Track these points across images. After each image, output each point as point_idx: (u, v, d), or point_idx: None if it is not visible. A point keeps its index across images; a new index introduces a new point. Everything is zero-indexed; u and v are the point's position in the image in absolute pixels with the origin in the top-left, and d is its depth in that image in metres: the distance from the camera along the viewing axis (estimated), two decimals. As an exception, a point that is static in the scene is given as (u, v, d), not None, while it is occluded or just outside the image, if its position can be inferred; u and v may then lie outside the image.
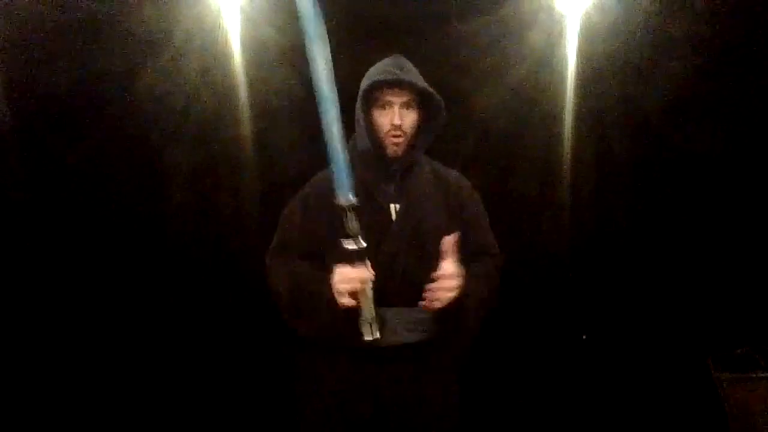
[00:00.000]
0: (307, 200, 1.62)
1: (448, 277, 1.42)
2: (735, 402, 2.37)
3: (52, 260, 2.50)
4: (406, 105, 1.57)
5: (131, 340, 2.57)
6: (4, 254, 2.44)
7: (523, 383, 2.67)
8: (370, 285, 1.40)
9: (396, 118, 1.54)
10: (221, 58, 2.48)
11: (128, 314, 2.57)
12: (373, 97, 1.58)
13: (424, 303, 1.44)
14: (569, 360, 2.73)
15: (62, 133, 2.48)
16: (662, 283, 2.69)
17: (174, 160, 2.57)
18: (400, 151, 1.58)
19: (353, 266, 1.38)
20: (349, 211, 1.35)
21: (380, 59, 1.65)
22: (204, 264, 2.62)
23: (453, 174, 1.72)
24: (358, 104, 1.57)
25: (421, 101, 1.61)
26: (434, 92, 1.59)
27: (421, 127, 1.62)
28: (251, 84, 2.52)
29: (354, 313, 1.40)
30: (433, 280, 1.43)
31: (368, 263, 1.39)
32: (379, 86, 1.55)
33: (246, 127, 2.57)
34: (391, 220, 1.57)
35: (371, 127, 1.59)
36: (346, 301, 1.38)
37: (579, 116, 2.63)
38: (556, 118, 2.64)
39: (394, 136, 1.56)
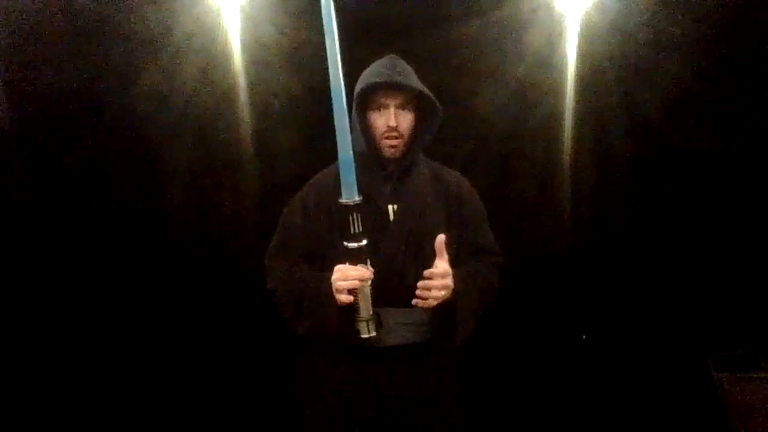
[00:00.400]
0: (307, 201, 1.62)
1: (439, 275, 1.43)
2: (735, 402, 2.37)
3: (52, 260, 2.50)
4: (402, 106, 1.57)
5: (131, 339, 2.57)
6: (4, 254, 2.44)
7: (523, 383, 2.68)
8: (369, 284, 1.40)
9: (391, 120, 1.54)
10: (221, 58, 2.48)
11: (128, 314, 2.57)
12: (369, 99, 1.58)
13: (415, 301, 1.44)
14: (569, 360, 2.73)
15: (62, 133, 2.48)
16: (662, 283, 2.69)
17: (173, 160, 2.57)
18: (397, 152, 1.59)
19: (353, 265, 1.38)
20: (355, 210, 1.35)
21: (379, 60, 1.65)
22: (204, 264, 2.62)
23: (452, 174, 1.73)
24: (354, 106, 1.57)
25: (417, 102, 1.60)
26: (429, 93, 1.59)
27: (418, 128, 1.62)
28: (251, 84, 2.52)
29: (352, 311, 1.41)
30: (425, 279, 1.44)
31: (368, 262, 1.39)
32: (374, 88, 1.55)
33: (246, 127, 2.57)
34: (389, 220, 1.57)
35: (367, 129, 1.59)
36: (345, 298, 1.39)
37: (579, 116, 2.63)
38: (556, 118, 2.63)
39: (390, 138, 1.56)
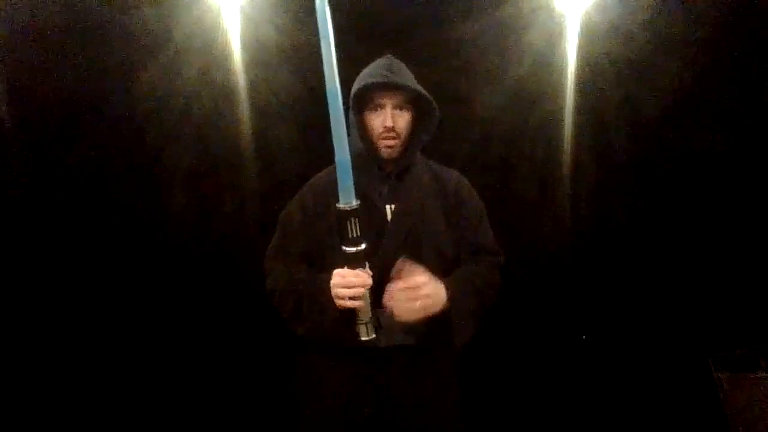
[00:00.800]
0: (306, 202, 1.62)
1: (411, 287, 1.43)
2: (735, 402, 2.37)
3: (51, 260, 2.50)
4: (399, 106, 1.57)
5: (131, 340, 2.57)
6: (4, 254, 2.44)
7: (524, 383, 2.67)
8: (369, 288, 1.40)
9: (388, 120, 1.54)
10: (221, 58, 2.48)
11: (128, 314, 2.57)
12: (366, 100, 1.58)
13: (387, 312, 1.43)
14: (569, 360, 2.73)
15: (61, 133, 2.48)
16: (662, 283, 2.69)
17: (173, 160, 2.57)
18: (394, 153, 1.59)
19: (352, 268, 1.38)
20: (353, 215, 1.34)
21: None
22: (204, 264, 2.62)
23: (451, 174, 1.72)
24: (351, 107, 1.57)
25: (415, 102, 1.60)
26: (425, 93, 1.58)
27: (415, 128, 1.62)
28: (251, 84, 2.51)
29: (351, 314, 1.40)
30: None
31: (367, 266, 1.39)
32: (370, 88, 1.55)
33: (246, 127, 2.57)
34: (387, 221, 1.57)
35: (364, 130, 1.59)
36: (347, 304, 1.38)
37: (579, 116, 2.63)
38: (556, 118, 2.63)
39: (387, 138, 1.56)
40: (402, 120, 1.58)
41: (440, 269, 1.55)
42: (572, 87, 2.59)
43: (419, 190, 1.62)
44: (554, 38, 2.54)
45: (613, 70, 2.58)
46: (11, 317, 2.45)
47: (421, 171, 1.66)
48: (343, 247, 1.35)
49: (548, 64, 2.57)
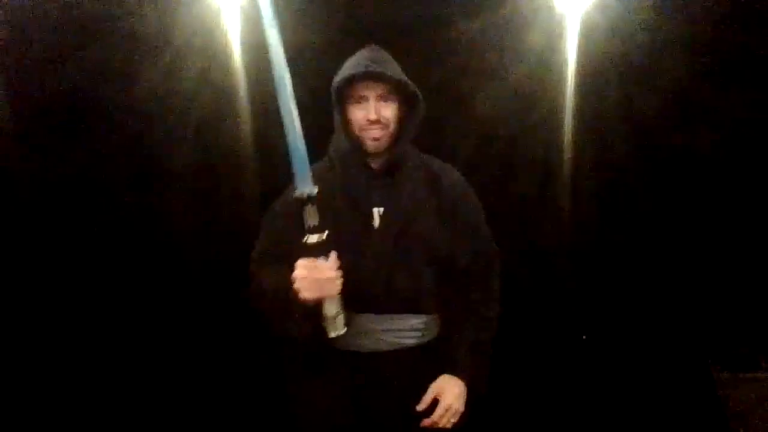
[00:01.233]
0: (287, 204, 1.51)
1: (440, 416, 1.46)
2: (735, 402, 2.38)
3: (51, 260, 2.50)
4: (383, 97, 1.47)
5: (130, 339, 2.57)
6: (4, 254, 2.44)
7: (523, 383, 2.67)
8: (337, 281, 1.30)
9: (371, 113, 1.45)
10: (221, 58, 2.48)
11: (127, 313, 2.57)
12: (348, 93, 1.48)
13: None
14: (569, 360, 2.73)
15: (61, 133, 2.48)
16: (662, 284, 2.69)
17: (173, 160, 2.57)
18: (382, 145, 1.48)
19: (315, 260, 1.28)
20: (309, 202, 1.26)
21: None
22: (203, 264, 2.62)
23: (445, 169, 1.61)
24: (333, 101, 1.49)
25: (401, 92, 1.50)
26: (409, 82, 1.49)
27: (404, 120, 1.52)
28: (251, 84, 2.51)
29: (316, 309, 1.31)
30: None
31: (333, 256, 1.30)
32: (352, 81, 1.46)
33: (246, 127, 2.57)
34: (375, 225, 1.48)
35: (348, 124, 1.50)
36: (306, 296, 1.29)
37: (579, 116, 2.63)
38: (556, 118, 2.63)
39: (372, 131, 1.47)
40: (387, 111, 1.48)
41: (431, 276, 1.49)
42: (572, 87, 2.59)
43: (410, 190, 1.52)
44: (554, 38, 2.54)
45: (613, 70, 2.58)
46: (11, 317, 2.45)
47: (412, 168, 1.55)
48: (305, 238, 1.26)
49: (548, 64, 2.57)
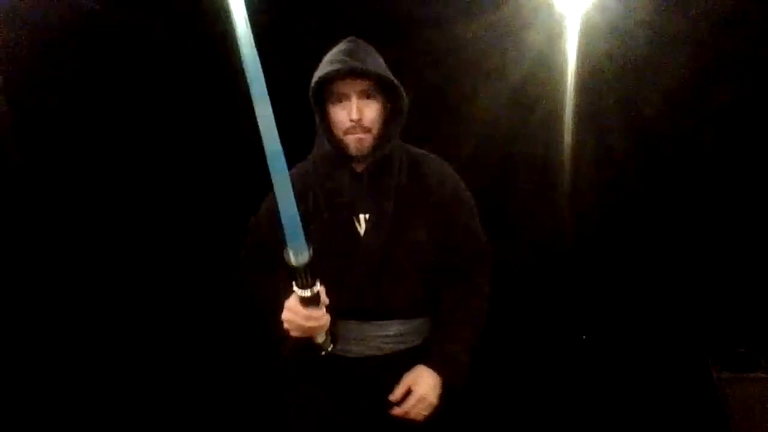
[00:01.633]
0: (270, 214, 1.45)
1: (410, 407, 1.38)
2: (735, 402, 2.37)
3: (51, 260, 2.50)
4: (365, 94, 1.38)
5: (130, 339, 2.58)
6: (5, 254, 2.44)
7: (523, 383, 2.67)
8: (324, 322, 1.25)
9: (353, 113, 1.35)
10: (221, 57, 2.48)
11: (127, 313, 2.58)
12: (328, 92, 1.39)
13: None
14: (569, 360, 2.73)
15: (60, 133, 2.48)
16: (662, 283, 2.69)
17: (172, 160, 2.57)
18: (365, 147, 1.39)
19: (305, 309, 1.21)
20: (304, 270, 1.14)
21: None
22: (203, 265, 2.62)
23: (434, 165, 1.52)
24: (312, 102, 1.41)
25: (384, 88, 1.41)
26: (390, 76, 1.40)
27: (389, 118, 1.44)
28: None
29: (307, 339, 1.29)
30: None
31: (324, 302, 1.24)
32: (331, 79, 1.36)
33: (246, 127, 2.56)
34: (361, 233, 1.41)
35: (329, 126, 1.41)
36: (297, 335, 1.26)
37: (579, 116, 2.63)
38: (556, 118, 2.64)
39: (355, 132, 1.38)
40: (370, 110, 1.38)
41: (421, 281, 1.45)
42: (572, 87, 2.59)
43: (397, 194, 1.43)
44: (554, 38, 2.54)
45: (613, 70, 2.58)
46: (11, 317, 2.45)
47: (397, 168, 1.45)
48: (296, 290, 1.19)
49: (548, 64, 2.57)
